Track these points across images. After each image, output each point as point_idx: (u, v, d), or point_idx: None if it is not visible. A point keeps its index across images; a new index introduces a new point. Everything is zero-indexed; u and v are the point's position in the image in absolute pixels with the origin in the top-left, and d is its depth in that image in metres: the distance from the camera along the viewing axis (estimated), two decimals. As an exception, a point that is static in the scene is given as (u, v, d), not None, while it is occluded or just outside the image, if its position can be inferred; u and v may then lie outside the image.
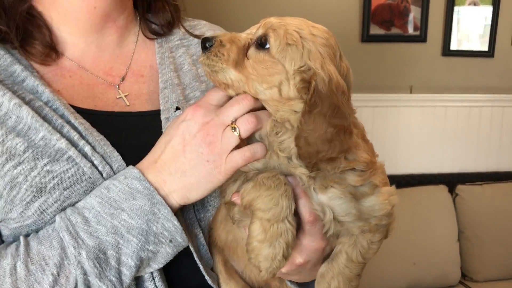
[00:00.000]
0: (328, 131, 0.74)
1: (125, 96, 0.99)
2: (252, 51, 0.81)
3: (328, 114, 0.74)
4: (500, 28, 3.32)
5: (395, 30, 3.21)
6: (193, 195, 0.83)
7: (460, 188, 3.14)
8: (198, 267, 0.91)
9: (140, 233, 0.80)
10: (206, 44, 0.81)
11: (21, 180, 0.81)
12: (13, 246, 0.81)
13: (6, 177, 0.81)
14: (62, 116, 0.87)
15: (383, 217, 0.84)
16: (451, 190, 3.14)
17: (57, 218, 0.80)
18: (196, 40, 1.10)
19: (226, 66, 0.80)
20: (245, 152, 0.81)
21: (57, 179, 0.82)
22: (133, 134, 0.95)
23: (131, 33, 1.06)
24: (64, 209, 0.83)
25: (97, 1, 0.95)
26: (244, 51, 0.81)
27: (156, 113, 0.97)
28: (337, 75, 0.78)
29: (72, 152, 0.83)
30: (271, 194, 0.78)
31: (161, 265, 0.84)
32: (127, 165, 0.86)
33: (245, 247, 0.82)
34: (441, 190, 3.11)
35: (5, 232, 0.85)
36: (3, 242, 0.85)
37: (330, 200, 0.80)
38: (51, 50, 0.94)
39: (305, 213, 0.83)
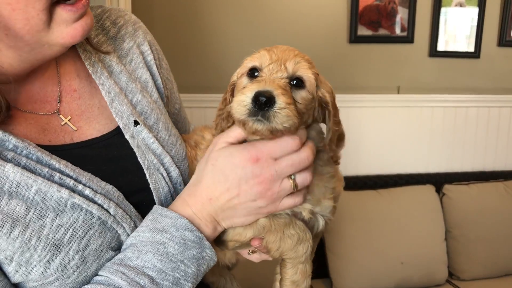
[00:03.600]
0: (340, 126, 0.92)
1: (68, 120, 0.94)
2: (295, 93, 0.86)
3: (337, 116, 0.92)
4: (486, 29, 3.35)
5: (382, 31, 3.23)
6: (238, 224, 0.91)
7: (447, 188, 3.16)
8: None
9: (194, 277, 0.87)
10: (261, 99, 0.79)
11: (34, 242, 0.79)
12: None
13: (15, 242, 0.78)
14: (40, 162, 0.84)
15: (338, 199, 1.00)
16: (438, 190, 3.17)
17: (121, 281, 0.81)
18: (111, 32, 1.05)
19: (294, 116, 0.82)
20: (298, 197, 0.90)
21: (70, 230, 0.82)
22: (108, 161, 0.94)
23: None
24: (86, 259, 0.83)
25: (33, 60, 0.86)
26: (292, 97, 0.85)
27: (117, 133, 0.97)
28: (328, 82, 0.92)
29: (77, 199, 0.82)
30: (303, 243, 0.93)
31: None
32: (124, 195, 0.90)
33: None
34: (428, 190, 3.13)
35: None
36: None
37: (322, 209, 0.95)
38: (7, 111, 0.85)
39: None
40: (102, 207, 0.85)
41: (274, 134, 0.83)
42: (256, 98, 0.79)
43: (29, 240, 0.79)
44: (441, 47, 3.32)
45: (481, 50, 3.37)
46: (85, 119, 0.96)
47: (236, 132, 0.90)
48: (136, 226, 0.89)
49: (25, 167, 0.81)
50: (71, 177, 0.85)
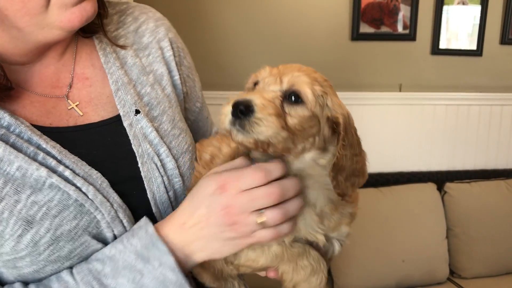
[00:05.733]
0: (359, 159, 0.86)
1: (76, 105, 0.97)
2: (289, 108, 0.81)
3: (353, 144, 0.84)
4: (488, 28, 3.34)
5: (384, 29, 3.22)
6: (217, 256, 0.87)
7: (449, 186, 3.16)
8: None
9: None
10: (241, 108, 0.77)
11: (7, 215, 0.81)
12: None
13: None
14: (29, 141, 0.86)
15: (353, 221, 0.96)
16: (440, 188, 3.17)
17: None
18: (132, 27, 1.08)
19: (275, 127, 0.77)
20: (273, 232, 0.83)
21: (44, 208, 0.82)
22: (102, 147, 0.94)
23: (72, 37, 1.01)
24: (58, 238, 0.83)
25: (40, 40, 0.88)
26: (280, 109, 0.80)
27: (116, 120, 0.97)
28: (345, 106, 0.86)
29: (55, 179, 0.83)
30: (316, 275, 0.89)
31: None
32: (111, 181, 0.89)
33: None
34: (430, 188, 3.13)
35: None
36: None
37: (339, 234, 0.93)
38: (8, 90, 0.89)
39: None
40: (81, 190, 0.85)
41: (261, 146, 0.79)
42: (236, 107, 0.76)
43: (1, 213, 0.80)
44: (443, 45, 3.31)
45: (483, 48, 3.36)
46: (93, 106, 0.98)
47: (228, 165, 0.87)
48: (117, 215, 0.88)
49: (12, 144, 0.84)
50: (55, 158, 0.86)
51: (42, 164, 0.84)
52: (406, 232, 2.95)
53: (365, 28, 3.19)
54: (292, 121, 0.79)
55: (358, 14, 3.15)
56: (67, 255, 0.85)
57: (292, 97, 0.81)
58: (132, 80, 1.02)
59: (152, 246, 0.85)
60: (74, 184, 0.85)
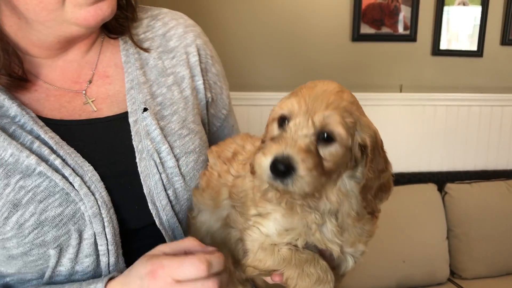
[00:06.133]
0: (385, 175, 0.87)
1: (92, 101, 0.99)
2: (323, 149, 0.80)
3: (380, 162, 0.87)
4: (489, 28, 3.34)
5: (385, 30, 3.22)
6: None
7: (449, 187, 3.16)
8: None
9: None
10: (279, 167, 0.77)
11: None
12: None
13: None
14: (30, 132, 0.89)
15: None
16: (440, 189, 3.16)
17: None
18: (160, 31, 1.10)
19: (316, 181, 0.78)
20: None
21: (30, 193, 0.86)
22: (103, 140, 0.97)
23: (98, 37, 1.05)
24: (42, 223, 0.85)
25: (61, 34, 0.93)
26: (316, 154, 0.80)
27: (124, 116, 0.99)
28: (372, 124, 0.88)
29: (43, 167, 0.86)
30: (322, 284, 0.87)
31: None
32: (100, 175, 0.91)
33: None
34: (430, 189, 3.13)
35: None
36: None
37: (354, 250, 0.93)
38: (21, 81, 0.94)
39: None
40: (67, 179, 0.87)
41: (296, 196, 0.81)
42: (275, 164, 0.76)
43: None
44: (443, 45, 3.31)
45: (484, 49, 3.36)
46: (109, 103, 1.01)
47: (175, 245, 0.84)
48: (100, 212, 0.89)
49: (11, 133, 0.88)
50: (50, 148, 0.89)
51: (34, 152, 0.87)
52: (407, 233, 2.95)
53: (365, 29, 3.19)
54: (328, 164, 0.80)
55: (358, 15, 3.16)
56: (52, 242, 0.87)
57: (324, 135, 0.80)
58: (150, 81, 1.04)
59: None
60: (62, 174, 0.87)
